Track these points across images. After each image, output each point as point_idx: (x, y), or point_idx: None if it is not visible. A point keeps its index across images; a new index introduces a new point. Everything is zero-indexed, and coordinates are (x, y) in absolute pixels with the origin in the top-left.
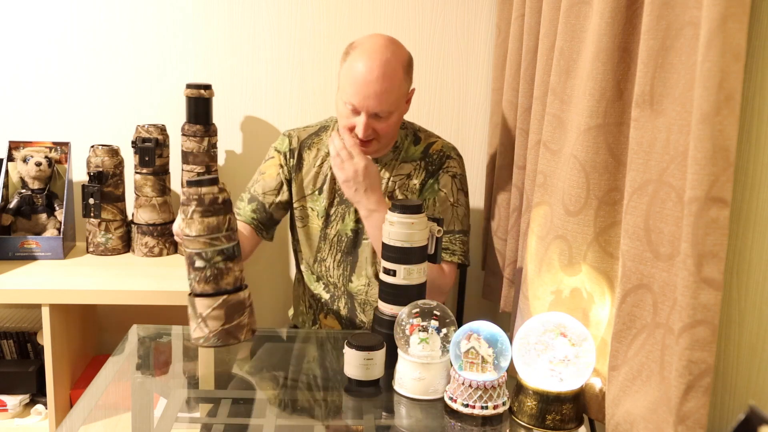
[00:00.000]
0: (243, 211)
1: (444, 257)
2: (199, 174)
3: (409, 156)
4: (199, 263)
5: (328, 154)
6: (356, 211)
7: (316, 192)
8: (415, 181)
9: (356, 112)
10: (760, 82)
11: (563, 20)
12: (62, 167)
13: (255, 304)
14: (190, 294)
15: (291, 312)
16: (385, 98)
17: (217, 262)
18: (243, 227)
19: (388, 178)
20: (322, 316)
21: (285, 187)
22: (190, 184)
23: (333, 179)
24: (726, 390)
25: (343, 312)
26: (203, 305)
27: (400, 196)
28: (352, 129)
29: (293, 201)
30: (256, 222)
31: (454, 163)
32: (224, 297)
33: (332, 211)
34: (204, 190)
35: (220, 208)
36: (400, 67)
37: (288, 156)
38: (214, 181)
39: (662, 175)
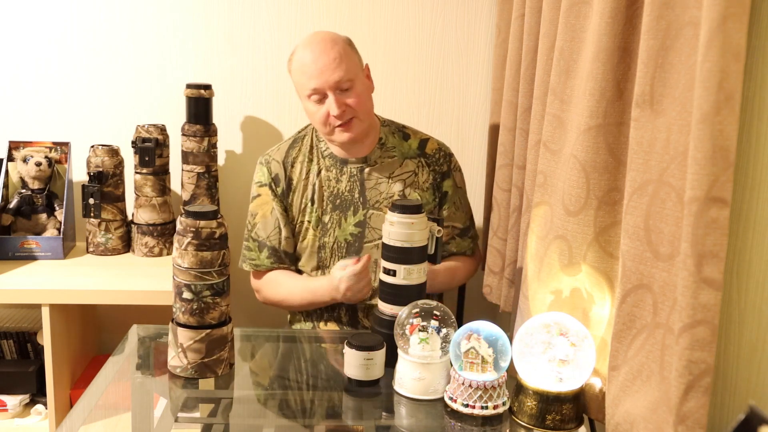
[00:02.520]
0: (260, 260)
1: (473, 247)
2: (199, 175)
3: (409, 152)
4: (186, 295)
5: (310, 161)
6: (354, 215)
7: (309, 203)
8: (423, 179)
9: (323, 97)
10: (760, 82)
11: (563, 20)
12: (62, 167)
13: (256, 304)
14: (172, 321)
15: (289, 316)
16: (338, 65)
17: (205, 297)
18: (270, 274)
19: (389, 176)
20: (321, 324)
21: (283, 221)
22: (188, 215)
23: (321, 187)
24: (726, 390)
25: (344, 319)
26: (185, 336)
27: (414, 196)
28: (327, 118)
29: (294, 222)
30: (276, 265)
31: (455, 159)
32: (207, 331)
33: (326, 218)
34: (202, 224)
35: (216, 243)
36: (340, 40)
37: (274, 186)
38: (214, 215)
39: (662, 175)
